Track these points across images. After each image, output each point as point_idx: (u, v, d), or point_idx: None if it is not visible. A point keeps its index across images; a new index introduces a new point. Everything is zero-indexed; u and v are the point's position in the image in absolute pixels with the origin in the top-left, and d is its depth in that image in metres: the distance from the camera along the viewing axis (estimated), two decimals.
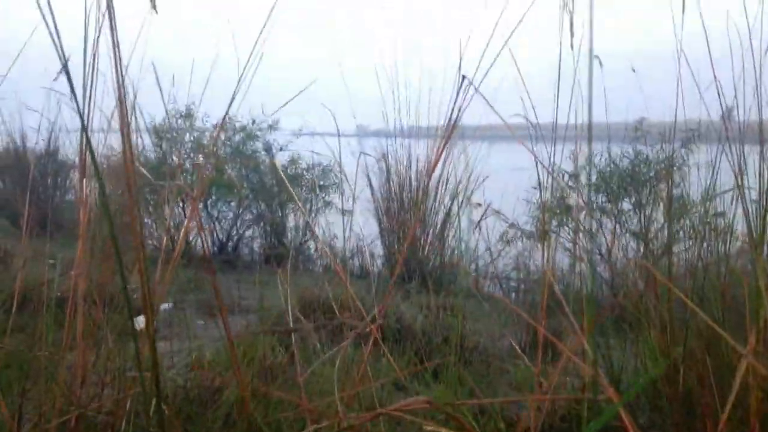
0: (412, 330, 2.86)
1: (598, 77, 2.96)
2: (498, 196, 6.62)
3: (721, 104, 2.04)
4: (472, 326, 3.28)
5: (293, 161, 6.86)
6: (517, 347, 2.42)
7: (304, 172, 6.81)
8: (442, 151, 5.51)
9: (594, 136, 5.17)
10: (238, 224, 6.84)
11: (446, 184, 5.72)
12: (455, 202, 5.65)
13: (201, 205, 6.48)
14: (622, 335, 2.55)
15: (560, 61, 2.23)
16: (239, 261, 6.79)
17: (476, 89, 1.31)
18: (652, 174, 4.74)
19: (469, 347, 2.88)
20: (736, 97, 2.00)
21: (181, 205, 6.47)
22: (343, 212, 6.87)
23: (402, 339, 2.80)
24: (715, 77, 1.92)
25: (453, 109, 1.40)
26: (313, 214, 7.08)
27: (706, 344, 1.92)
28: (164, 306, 4.13)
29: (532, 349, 3.10)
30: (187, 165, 6.15)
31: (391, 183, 5.66)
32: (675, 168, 4.60)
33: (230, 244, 6.80)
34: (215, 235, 6.68)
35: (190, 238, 6.73)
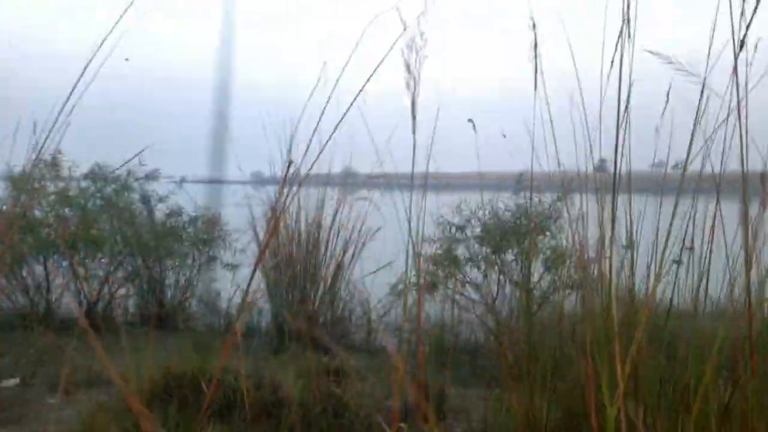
0: (289, 400, 2.65)
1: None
2: (391, 245, 6.63)
3: (593, 157, 2.14)
4: (359, 387, 3.12)
5: (173, 213, 6.45)
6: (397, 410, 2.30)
7: (186, 225, 6.42)
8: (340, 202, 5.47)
9: (484, 185, 5.38)
10: (110, 282, 6.24)
11: (337, 235, 5.62)
12: (346, 254, 5.56)
13: (66, 263, 5.85)
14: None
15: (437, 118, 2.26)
16: (110, 323, 6.18)
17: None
18: (532, 225, 4.96)
19: (350, 416, 2.71)
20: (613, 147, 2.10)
21: (42, 262, 5.83)
22: (229, 267, 6.55)
23: (277, 411, 2.58)
24: (588, 134, 2.01)
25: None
26: (195, 270, 6.66)
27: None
28: (10, 382, 3.58)
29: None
30: (50, 219, 5.57)
31: (280, 236, 5.45)
32: (552, 219, 4.87)
33: (100, 304, 6.17)
34: (82, 294, 6.04)
35: (53, 299, 6.06)
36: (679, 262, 2.16)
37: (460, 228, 5.11)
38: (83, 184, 6.13)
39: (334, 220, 5.57)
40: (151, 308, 6.37)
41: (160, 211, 6.57)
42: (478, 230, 5.09)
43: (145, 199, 6.56)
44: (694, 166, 2.00)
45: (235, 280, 6.66)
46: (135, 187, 6.30)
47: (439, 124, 2.37)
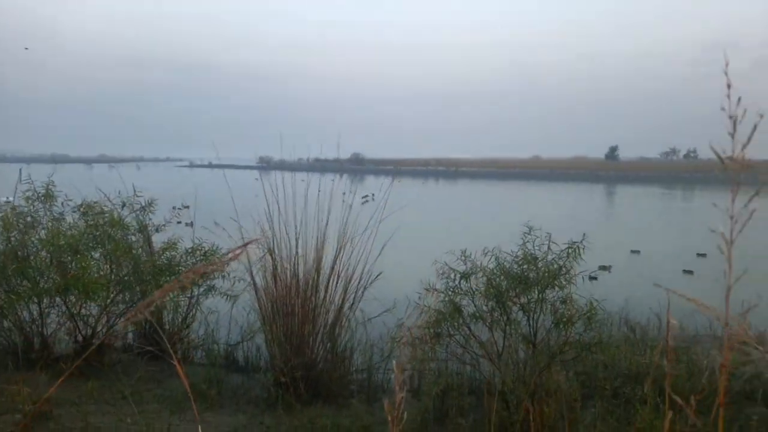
0: None
1: None
2: (393, 290, 6.47)
3: None
4: None
5: (171, 245, 6.29)
6: None
7: (183, 257, 6.26)
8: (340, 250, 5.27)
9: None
10: (107, 318, 6.10)
11: (338, 279, 5.45)
12: (347, 299, 5.39)
13: (60, 299, 5.71)
14: None
15: None
16: (108, 357, 6.07)
17: None
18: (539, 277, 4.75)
19: None
20: None
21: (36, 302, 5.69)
22: (228, 296, 6.40)
23: None
24: None
25: None
26: (193, 301, 6.53)
27: None
28: None
29: None
30: (43, 262, 5.42)
31: (278, 280, 5.27)
32: (561, 273, 4.65)
33: (95, 340, 6.04)
34: (78, 331, 5.91)
35: (48, 335, 5.94)
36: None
37: (465, 277, 4.90)
38: (75, 217, 5.98)
39: (335, 263, 5.38)
40: (148, 341, 6.27)
41: (156, 240, 6.44)
42: (482, 279, 4.88)
43: (143, 229, 6.40)
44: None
45: (233, 310, 6.54)
46: (130, 221, 6.14)
47: None
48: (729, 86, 1.00)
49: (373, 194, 6.59)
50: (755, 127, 0.99)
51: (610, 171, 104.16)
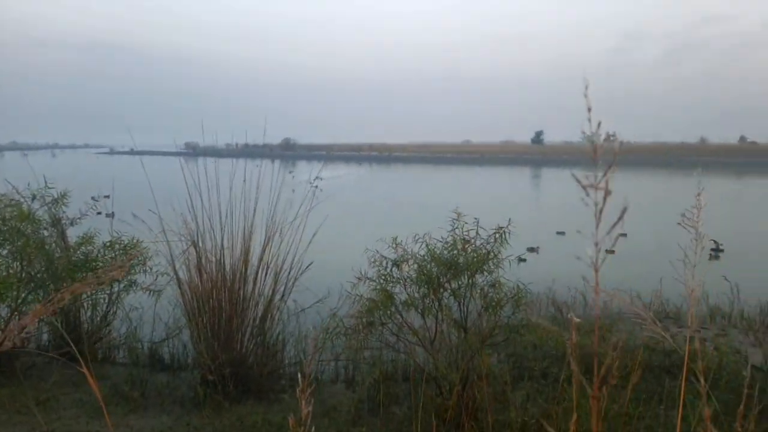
0: None
1: None
2: (327, 279, 6.37)
3: None
4: None
5: (87, 239, 5.92)
6: None
7: (101, 251, 5.91)
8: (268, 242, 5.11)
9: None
10: (18, 317, 5.67)
11: (267, 270, 5.29)
12: (277, 291, 5.25)
13: None
14: None
15: None
16: (18, 364, 5.65)
17: None
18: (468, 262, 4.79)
19: None
20: None
21: None
22: (151, 292, 6.11)
23: None
24: None
25: None
26: (114, 297, 6.19)
27: None
28: None
29: None
30: None
31: (203, 273, 5.06)
32: (490, 258, 4.72)
33: (7, 342, 5.59)
34: None
35: None
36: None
37: (396, 264, 4.88)
38: None
39: (263, 254, 5.22)
40: (65, 341, 5.89)
41: (71, 233, 6.04)
42: (414, 266, 4.88)
43: (56, 223, 5.98)
44: None
45: (156, 306, 6.27)
46: (41, 214, 5.72)
47: None
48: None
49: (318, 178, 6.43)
50: None
51: (536, 155, 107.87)
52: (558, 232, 17.25)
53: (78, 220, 6.09)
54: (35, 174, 6.06)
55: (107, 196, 28.51)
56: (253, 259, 5.20)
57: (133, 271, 5.92)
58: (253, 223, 5.31)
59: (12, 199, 5.67)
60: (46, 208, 5.89)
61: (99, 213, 6.59)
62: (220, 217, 5.22)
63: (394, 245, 4.90)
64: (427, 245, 4.81)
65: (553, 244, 15.38)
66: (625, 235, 17.68)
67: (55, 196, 5.87)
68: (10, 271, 5.43)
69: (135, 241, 5.93)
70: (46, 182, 5.90)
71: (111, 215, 7.43)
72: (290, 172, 6.13)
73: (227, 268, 5.08)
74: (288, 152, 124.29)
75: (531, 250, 14.25)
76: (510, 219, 4.68)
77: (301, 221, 5.43)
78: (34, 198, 5.76)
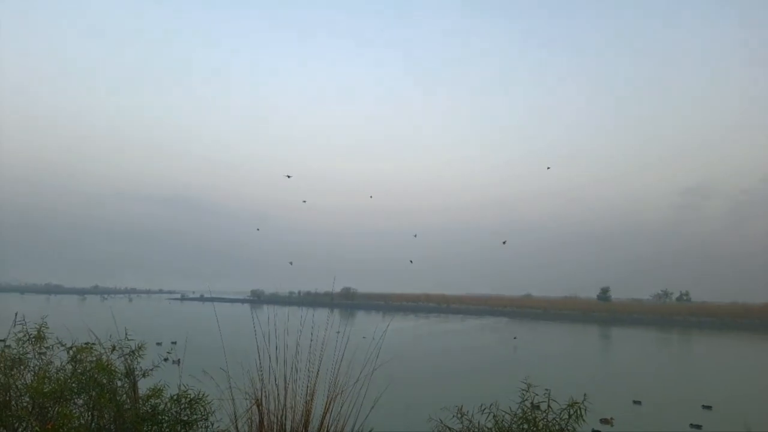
0: None
1: None
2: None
3: None
4: None
5: (156, 392, 6.05)
6: None
7: (168, 405, 5.99)
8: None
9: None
10: None
11: None
12: None
13: None
14: None
15: None
16: None
17: None
18: None
19: None
20: None
21: None
22: None
23: None
24: None
25: None
26: None
27: None
28: None
29: None
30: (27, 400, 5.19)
31: None
32: None
33: None
34: None
35: None
36: None
37: None
38: (64, 359, 5.83)
39: (324, 418, 5.15)
40: None
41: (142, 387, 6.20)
42: None
43: (129, 374, 6.19)
44: None
45: None
46: (118, 365, 5.97)
47: None
48: None
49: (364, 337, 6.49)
50: None
51: (603, 312, 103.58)
52: (634, 402, 15.98)
53: (150, 372, 6.29)
54: (114, 319, 6.44)
55: (174, 342, 29.30)
56: (314, 422, 5.13)
57: (195, 426, 5.93)
58: (316, 383, 5.32)
59: (93, 349, 5.98)
60: (122, 359, 6.15)
61: (166, 359, 6.79)
62: (285, 377, 5.28)
63: (459, 415, 4.75)
64: (494, 417, 4.63)
65: (629, 415, 14.19)
66: (710, 407, 16.03)
67: (133, 348, 6.15)
68: (82, 421, 5.57)
69: (201, 395, 6.01)
70: (126, 334, 6.22)
71: (177, 362, 7.63)
72: (364, 337, 6.25)
73: (288, 430, 5.02)
74: (347, 301, 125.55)
75: (604, 421, 13.17)
76: (585, 395, 4.48)
77: (363, 383, 5.40)
78: (113, 349, 6.06)
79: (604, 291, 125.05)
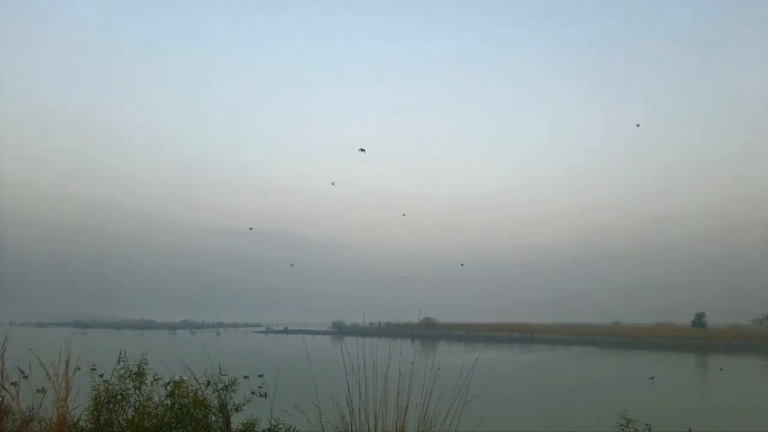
0: None
1: None
2: None
3: None
4: None
5: (250, 425, 6.20)
6: None
7: None
8: None
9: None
10: None
11: None
12: None
13: None
14: None
15: None
16: None
17: None
18: None
19: None
20: None
21: None
22: None
23: None
24: None
25: None
26: None
27: None
28: None
29: None
30: None
31: None
32: None
33: None
34: None
35: None
36: None
37: None
38: (162, 395, 6.10)
39: None
40: None
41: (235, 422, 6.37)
42: None
43: (223, 409, 6.39)
44: None
45: None
46: (212, 400, 6.18)
47: None
48: None
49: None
50: None
51: (699, 338, 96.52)
52: None
53: (242, 406, 6.46)
54: (207, 352, 6.67)
55: (261, 375, 29.96)
56: None
57: None
58: (405, 418, 5.26)
59: (189, 385, 6.22)
60: (216, 394, 6.36)
61: (253, 393, 6.95)
62: (375, 411, 5.26)
63: None
64: None
65: None
66: None
67: (226, 383, 6.35)
68: None
69: (292, 429, 6.10)
70: (220, 369, 6.45)
71: (264, 395, 7.75)
72: (440, 368, 6.15)
73: None
74: (428, 332, 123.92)
75: None
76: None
77: (453, 418, 5.29)
78: (208, 384, 6.28)
79: (699, 316, 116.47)
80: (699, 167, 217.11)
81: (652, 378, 37.40)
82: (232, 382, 6.39)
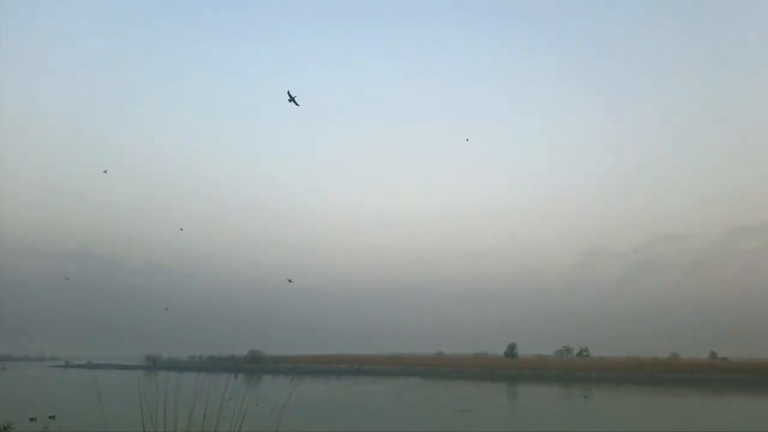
0: None
1: None
2: None
3: None
4: None
5: None
6: None
7: None
8: None
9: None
10: None
11: None
12: None
13: None
14: None
15: None
16: None
17: None
18: None
19: None
20: None
21: None
22: None
23: None
24: None
25: None
26: None
27: None
28: None
29: None
30: None
31: None
32: None
33: None
34: None
35: None
36: None
37: None
38: None
39: None
40: None
41: None
42: None
43: None
44: None
45: None
46: None
47: None
48: None
49: None
50: None
51: (510, 369, 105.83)
52: None
53: None
54: None
55: (52, 417, 26.10)
56: None
57: None
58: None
59: None
60: None
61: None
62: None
63: None
64: None
65: None
66: None
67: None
68: None
69: None
70: None
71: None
72: (257, 404, 5.66)
73: None
74: (254, 365, 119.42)
75: None
76: None
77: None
78: None
79: (511, 347, 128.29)
80: (515, 202, 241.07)
81: (462, 410, 39.87)
82: (5, 428, 5.32)
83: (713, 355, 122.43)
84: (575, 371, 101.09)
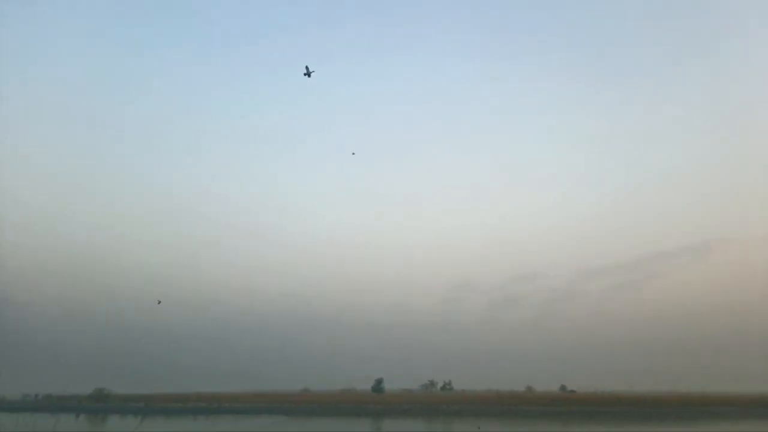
0: None
1: None
2: None
3: None
4: None
5: None
6: None
7: None
8: None
9: None
10: None
11: None
12: None
13: None
14: None
15: None
16: None
17: None
18: None
19: None
20: None
21: None
22: None
23: None
24: None
25: None
26: None
27: None
28: None
29: None
30: None
31: None
32: None
33: None
34: None
35: None
36: None
37: None
38: None
39: None
40: None
41: None
42: None
43: None
44: None
45: None
46: None
47: None
48: None
49: None
50: None
51: (377, 404, 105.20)
52: None
53: None
54: None
55: None
56: None
57: None
58: None
59: None
60: None
61: None
62: None
63: None
64: None
65: None
66: None
67: None
68: None
69: None
70: None
71: None
72: None
73: None
74: (99, 404, 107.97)
75: None
76: None
77: None
78: None
79: (378, 382, 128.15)
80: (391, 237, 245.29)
81: None
82: None
83: (563, 387, 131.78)
84: (438, 405, 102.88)
